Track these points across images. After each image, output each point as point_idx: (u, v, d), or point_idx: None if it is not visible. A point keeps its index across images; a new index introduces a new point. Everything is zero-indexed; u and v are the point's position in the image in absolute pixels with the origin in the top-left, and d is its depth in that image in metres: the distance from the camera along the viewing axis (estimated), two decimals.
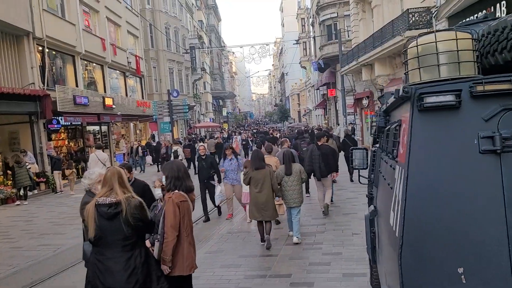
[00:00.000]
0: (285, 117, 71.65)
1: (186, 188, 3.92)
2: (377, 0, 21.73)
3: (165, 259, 3.76)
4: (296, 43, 31.44)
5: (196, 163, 11.81)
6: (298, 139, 13.30)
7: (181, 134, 41.58)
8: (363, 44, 21.94)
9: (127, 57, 26.45)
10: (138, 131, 30.43)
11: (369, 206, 4.33)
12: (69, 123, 18.47)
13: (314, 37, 41.09)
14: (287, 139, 11.09)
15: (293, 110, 79.66)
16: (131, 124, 27.30)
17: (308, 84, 58.19)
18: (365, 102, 24.97)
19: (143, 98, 29.63)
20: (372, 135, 3.33)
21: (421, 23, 15.18)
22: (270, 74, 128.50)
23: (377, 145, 3.76)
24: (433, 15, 14.54)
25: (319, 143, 9.50)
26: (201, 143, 16.74)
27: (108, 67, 23.78)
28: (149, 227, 3.92)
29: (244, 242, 7.92)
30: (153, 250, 4.44)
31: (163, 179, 4.09)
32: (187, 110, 23.95)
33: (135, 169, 19.60)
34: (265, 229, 7.29)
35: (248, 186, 7.62)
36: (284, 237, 7.87)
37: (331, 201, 9.91)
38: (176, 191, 3.82)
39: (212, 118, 63.48)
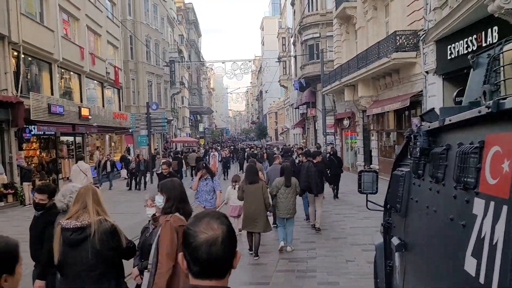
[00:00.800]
0: (263, 134, 71.53)
1: (185, 212, 3.44)
2: (361, 21, 21.92)
3: None
4: (278, 61, 31.32)
5: None
6: (283, 157, 13.48)
7: (157, 148, 40.73)
8: (346, 64, 22.00)
9: (106, 68, 25.74)
10: (113, 144, 29.51)
11: (385, 236, 3.94)
12: (42, 133, 17.60)
13: (295, 56, 41.32)
14: (279, 156, 11.87)
15: (270, 128, 79.65)
16: (107, 136, 26.42)
17: (286, 103, 58.36)
18: (346, 122, 24.97)
19: (120, 110, 28.85)
20: (412, 158, 2.91)
21: (407, 45, 15.24)
22: (247, 91, 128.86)
23: (403, 169, 3.39)
24: (421, 38, 14.61)
25: (315, 161, 9.92)
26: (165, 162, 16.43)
27: (86, 76, 23.02)
28: (125, 256, 3.42)
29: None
30: (141, 279, 3.92)
31: (157, 199, 3.61)
32: (166, 124, 23.29)
33: (100, 186, 18.53)
34: (254, 241, 7.56)
35: (236, 199, 8.14)
36: (272, 258, 7.61)
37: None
38: (176, 213, 3.33)
39: (189, 133, 62.82)
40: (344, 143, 26.99)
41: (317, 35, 32.59)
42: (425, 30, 14.24)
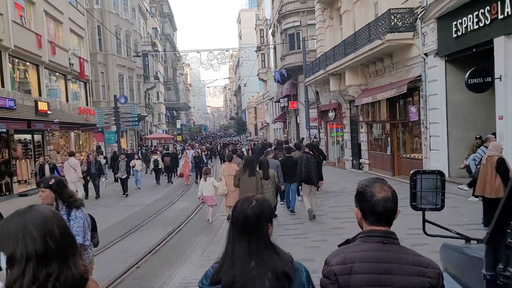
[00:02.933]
0: (243, 130, 69.65)
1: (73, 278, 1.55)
2: (347, 5, 20.26)
3: None
4: (257, 51, 29.49)
5: None
6: (276, 149, 13.64)
7: (131, 146, 38.45)
8: (331, 51, 20.33)
9: (69, 58, 23.42)
10: (80, 142, 27.21)
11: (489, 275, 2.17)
12: None
13: (275, 47, 39.57)
14: (272, 150, 12.57)
15: (249, 124, 77.84)
16: (72, 134, 24.12)
17: (266, 97, 56.64)
18: (331, 114, 23.35)
19: (87, 105, 26.55)
20: None
21: (403, 25, 13.63)
22: (226, 87, 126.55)
23: None
24: (419, 16, 13.01)
25: (311, 153, 10.00)
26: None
27: (44, 67, 20.70)
28: None
29: None
30: None
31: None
32: (136, 119, 21.24)
33: None
34: None
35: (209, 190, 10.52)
36: None
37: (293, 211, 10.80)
38: None
39: (165, 130, 60.43)
40: (329, 137, 25.38)
41: (298, 23, 30.86)
42: (423, 7, 12.64)
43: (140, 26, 45.95)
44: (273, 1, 38.49)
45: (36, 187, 13.70)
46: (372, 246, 1.87)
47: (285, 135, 39.15)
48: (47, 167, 15.17)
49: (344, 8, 20.47)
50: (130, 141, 39.81)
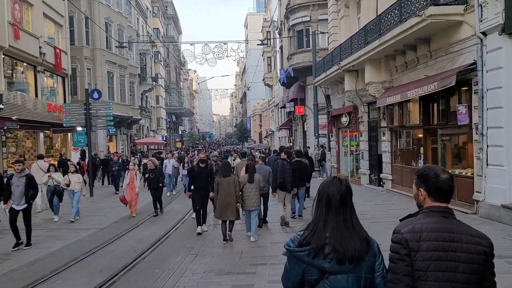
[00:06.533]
0: (245, 137, 66.11)
1: None
2: None
3: None
4: (261, 44, 26.07)
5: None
6: (279, 155, 12.95)
7: (122, 151, 35.03)
8: (348, 42, 16.80)
9: (40, 47, 20.10)
10: (55, 144, 23.82)
11: None
12: None
13: (281, 48, 36.22)
14: (261, 157, 12.51)
15: (254, 132, 74.46)
16: (41, 135, 20.67)
17: (271, 104, 53.22)
18: (344, 120, 19.75)
19: (65, 103, 23.17)
20: None
21: None
22: (232, 95, 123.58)
23: None
24: None
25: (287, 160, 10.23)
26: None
27: (3, 53, 17.37)
28: None
29: None
30: None
31: None
32: (111, 120, 17.77)
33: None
34: (228, 227, 8.52)
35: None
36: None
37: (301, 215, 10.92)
38: None
39: (165, 136, 57.06)
40: (341, 146, 21.74)
41: (307, 18, 27.40)
42: None
43: (136, 22, 42.83)
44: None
45: None
46: (435, 219, 2.23)
47: (291, 143, 35.55)
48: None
49: None
50: (121, 146, 36.43)
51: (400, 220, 2.34)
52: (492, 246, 2.21)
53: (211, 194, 9.54)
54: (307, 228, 2.30)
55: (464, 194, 10.52)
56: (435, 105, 12.17)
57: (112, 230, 10.30)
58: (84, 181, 12.93)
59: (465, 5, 9.93)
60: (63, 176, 12.10)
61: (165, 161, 17.84)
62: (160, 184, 12.25)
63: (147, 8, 49.79)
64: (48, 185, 11.74)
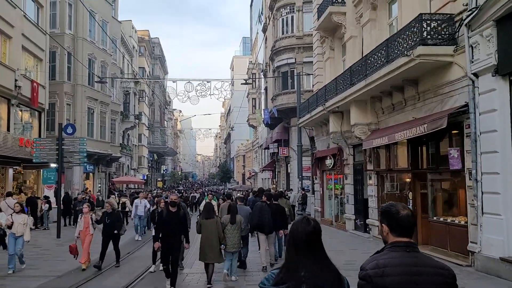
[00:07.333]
0: (227, 178, 65.06)
1: None
2: (352, 30, 16.73)
3: None
4: (245, 84, 25.77)
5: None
6: (257, 197, 13.26)
7: (99, 190, 33.69)
8: (333, 83, 16.50)
9: (16, 80, 19.34)
10: (28, 181, 22.60)
11: None
12: None
13: (266, 89, 36.18)
14: (241, 197, 11.72)
15: (237, 173, 73.54)
16: (10, 171, 19.51)
17: (255, 145, 52.81)
18: (329, 162, 19.21)
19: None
20: None
21: (440, 35, 9.77)
22: (216, 135, 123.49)
23: None
24: (464, 22, 9.16)
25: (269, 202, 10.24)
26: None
27: None
28: None
29: None
30: None
31: None
32: (85, 155, 16.85)
33: None
34: (209, 270, 8.21)
35: None
36: None
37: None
38: None
39: (146, 175, 55.72)
40: (325, 189, 21.05)
41: (292, 60, 27.44)
42: (471, 9, 8.86)
43: (123, 61, 42.64)
44: (266, 39, 35.45)
45: None
46: (399, 254, 2.30)
47: (274, 185, 34.76)
48: None
49: (350, 34, 16.89)
50: (99, 184, 35.10)
51: (370, 257, 2.42)
52: (455, 278, 2.31)
53: (186, 245, 8.45)
54: (281, 268, 2.36)
55: (458, 244, 9.81)
56: (424, 148, 11.68)
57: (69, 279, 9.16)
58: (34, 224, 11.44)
59: (455, 46, 9.64)
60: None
61: (135, 201, 16.40)
62: (116, 231, 10.17)
63: (133, 47, 49.83)
64: None
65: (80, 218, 10.43)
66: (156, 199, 14.32)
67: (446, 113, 9.38)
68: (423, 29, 9.76)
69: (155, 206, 12.78)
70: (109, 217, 10.20)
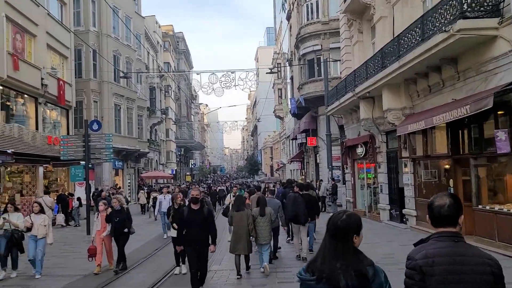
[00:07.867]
0: (255, 170, 64.71)
1: None
2: (382, 10, 15.85)
3: None
4: (270, 72, 25.23)
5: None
6: (286, 188, 13.44)
7: (128, 185, 34.01)
8: (363, 67, 15.73)
9: (42, 78, 19.43)
10: (57, 180, 22.84)
11: None
12: None
13: (292, 78, 35.43)
14: (271, 190, 11.94)
15: (265, 165, 73.19)
16: (40, 169, 19.69)
17: (282, 136, 52.17)
18: (360, 150, 18.45)
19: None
20: None
21: (482, 7, 8.93)
22: (243, 128, 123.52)
23: None
24: None
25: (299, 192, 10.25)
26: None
27: (1, 84, 16.65)
28: None
29: None
30: None
31: None
32: (111, 151, 16.74)
33: None
34: (241, 261, 8.41)
35: None
36: None
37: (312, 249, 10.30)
38: None
39: (175, 170, 56.05)
40: (357, 179, 20.32)
41: (318, 47, 26.58)
42: None
43: (148, 57, 42.71)
44: (290, 28, 34.66)
45: None
46: (446, 244, 2.34)
47: (303, 176, 34.15)
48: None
49: (379, 14, 16.03)
50: (128, 180, 35.39)
51: (414, 245, 2.47)
52: (501, 267, 2.30)
53: (212, 248, 7.25)
54: (316, 258, 2.43)
55: (507, 234, 9.03)
56: (466, 132, 10.85)
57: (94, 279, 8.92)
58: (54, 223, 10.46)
59: (500, 17, 8.78)
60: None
61: (159, 196, 15.54)
62: (126, 230, 9.17)
63: (158, 43, 49.88)
64: (4, 230, 8.98)
65: (97, 217, 9.51)
66: (172, 194, 12.46)
67: (491, 92, 8.57)
68: (463, 1, 8.94)
69: (170, 203, 10.87)
70: (118, 214, 9.20)
